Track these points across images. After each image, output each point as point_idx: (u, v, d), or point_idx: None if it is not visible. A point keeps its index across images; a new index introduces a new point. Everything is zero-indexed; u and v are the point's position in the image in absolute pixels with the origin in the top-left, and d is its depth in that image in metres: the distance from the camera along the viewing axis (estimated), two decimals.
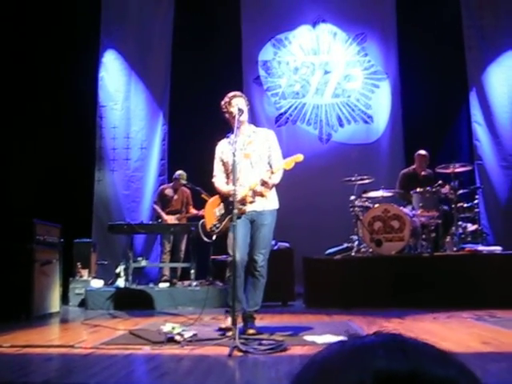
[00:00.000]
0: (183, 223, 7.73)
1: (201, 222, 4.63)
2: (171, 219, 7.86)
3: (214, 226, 4.41)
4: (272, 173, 4.31)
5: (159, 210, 7.99)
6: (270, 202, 4.45)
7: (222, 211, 4.43)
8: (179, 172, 7.83)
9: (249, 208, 4.31)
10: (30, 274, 5.75)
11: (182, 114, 9.03)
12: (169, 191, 8.11)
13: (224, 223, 4.37)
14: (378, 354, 0.56)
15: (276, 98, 9.41)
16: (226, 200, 4.41)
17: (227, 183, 4.51)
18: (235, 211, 4.00)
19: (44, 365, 3.47)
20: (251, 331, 4.28)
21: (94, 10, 9.18)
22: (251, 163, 4.39)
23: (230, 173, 4.44)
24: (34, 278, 5.79)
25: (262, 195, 4.36)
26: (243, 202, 4.23)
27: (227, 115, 4.53)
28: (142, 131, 9.28)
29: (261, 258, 4.37)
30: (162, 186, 8.47)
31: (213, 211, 4.48)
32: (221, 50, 9.03)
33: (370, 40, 9.38)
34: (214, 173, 4.61)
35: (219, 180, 4.56)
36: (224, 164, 4.55)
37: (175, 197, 8.04)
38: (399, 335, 0.61)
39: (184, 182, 7.68)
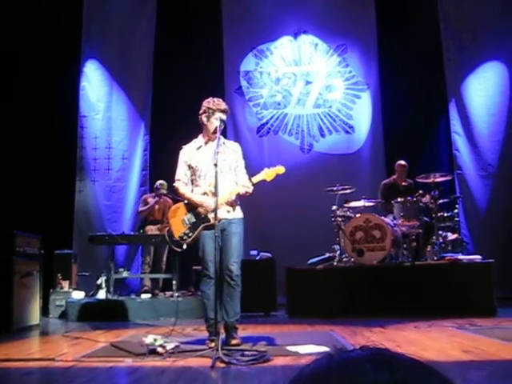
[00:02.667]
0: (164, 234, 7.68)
1: (167, 230, 4.55)
2: (152, 229, 7.81)
3: (186, 234, 4.31)
4: (252, 183, 4.28)
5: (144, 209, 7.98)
6: (237, 212, 4.45)
7: (193, 219, 4.33)
8: (160, 182, 7.80)
9: (221, 216, 4.27)
10: (9, 287, 5.68)
11: (164, 124, 9.02)
12: (151, 200, 8.08)
13: (198, 232, 4.30)
14: (365, 367, 0.58)
15: (258, 109, 9.45)
16: (196, 208, 4.35)
17: (191, 190, 4.46)
18: (217, 222, 3.99)
19: (23, 379, 3.42)
20: (235, 341, 4.26)
21: (76, 19, 9.14)
22: (221, 172, 4.28)
23: (197, 179, 4.41)
24: (14, 290, 5.73)
25: (232, 204, 4.37)
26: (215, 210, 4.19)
27: (205, 120, 4.44)
28: (123, 141, 9.25)
29: (235, 267, 4.32)
30: (145, 195, 8.44)
31: (181, 219, 4.37)
32: (202, 61, 9.06)
33: (350, 51, 9.47)
34: (178, 177, 4.51)
35: (184, 186, 4.48)
36: (191, 169, 4.46)
37: (156, 206, 8.01)
38: (386, 349, 0.62)
39: (165, 191, 7.66)
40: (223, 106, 4.49)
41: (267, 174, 4.33)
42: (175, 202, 7.51)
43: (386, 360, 0.59)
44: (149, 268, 7.86)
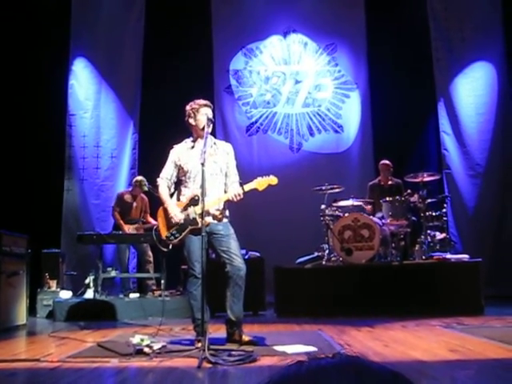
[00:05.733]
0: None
1: (154, 229, 4.52)
2: (129, 229, 7.66)
3: (173, 235, 4.29)
4: (243, 190, 4.22)
5: (120, 221, 7.72)
6: (225, 218, 4.41)
7: (182, 221, 4.31)
8: (140, 178, 7.52)
9: (209, 220, 4.26)
10: None
11: (153, 122, 8.98)
12: (128, 197, 7.86)
13: (185, 233, 4.27)
14: (332, 375, 0.57)
15: (247, 108, 9.44)
16: (185, 209, 4.31)
17: (179, 193, 4.41)
18: (204, 222, 3.98)
19: (8, 380, 3.38)
20: (248, 338, 4.28)
21: (64, 17, 9.09)
22: (211, 174, 4.28)
23: (187, 180, 4.36)
24: (0, 289, 5.68)
25: (219, 210, 4.33)
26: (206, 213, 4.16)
27: (192, 121, 4.41)
28: (112, 140, 9.20)
29: (244, 266, 4.29)
30: (120, 191, 8.22)
31: (169, 219, 4.34)
32: (192, 59, 9.02)
33: (340, 50, 9.49)
34: (162, 175, 4.48)
35: (165, 186, 4.44)
36: (181, 170, 4.40)
37: (134, 204, 7.83)
38: (356, 357, 0.62)
39: (146, 188, 7.35)
40: (204, 101, 4.48)
41: (259, 183, 4.28)
42: (150, 199, 7.44)
43: (354, 368, 0.58)
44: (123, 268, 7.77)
